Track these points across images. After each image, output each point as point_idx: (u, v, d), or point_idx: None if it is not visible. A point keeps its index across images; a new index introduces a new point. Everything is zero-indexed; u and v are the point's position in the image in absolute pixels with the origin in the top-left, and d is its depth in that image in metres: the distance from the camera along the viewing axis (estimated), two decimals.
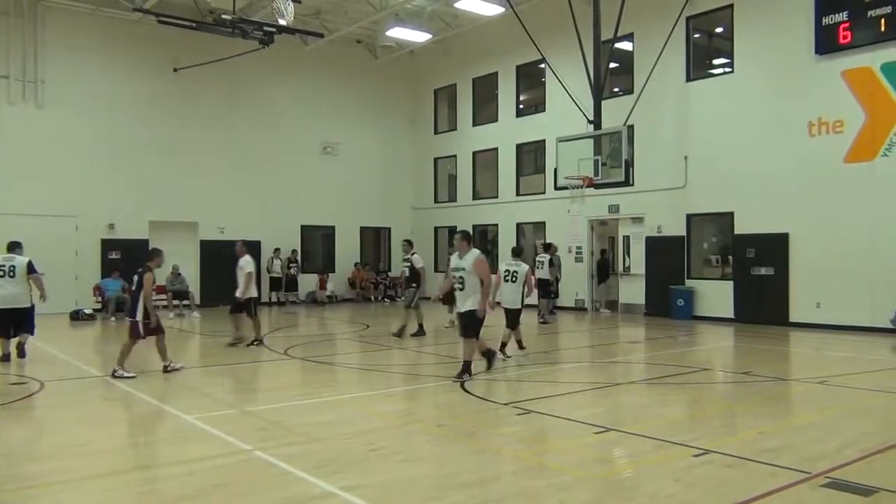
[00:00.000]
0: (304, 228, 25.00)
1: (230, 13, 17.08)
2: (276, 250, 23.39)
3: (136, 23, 20.89)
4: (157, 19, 18.71)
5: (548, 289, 17.94)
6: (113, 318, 18.57)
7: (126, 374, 9.89)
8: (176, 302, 20.39)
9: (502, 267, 12.02)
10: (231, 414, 7.93)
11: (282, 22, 16.89)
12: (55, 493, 5.30)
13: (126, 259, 20.41)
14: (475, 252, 9.72)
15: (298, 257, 24.17)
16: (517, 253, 12.47)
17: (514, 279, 11.71)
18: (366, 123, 26.22)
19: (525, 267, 11.87)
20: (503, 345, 11.83)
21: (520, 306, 11.82)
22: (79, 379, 10.25)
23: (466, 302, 9.62)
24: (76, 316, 18.67)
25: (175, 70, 21.78)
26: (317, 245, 25.83)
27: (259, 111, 23.81)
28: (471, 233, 10.11)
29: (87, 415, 8.05)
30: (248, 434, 6.89)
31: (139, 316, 10.06)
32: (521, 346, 12.17)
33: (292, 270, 23.69)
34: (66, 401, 8.77)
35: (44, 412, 8.26)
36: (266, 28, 17.22)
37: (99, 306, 19.58)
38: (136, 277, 10.26)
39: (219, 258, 22.03)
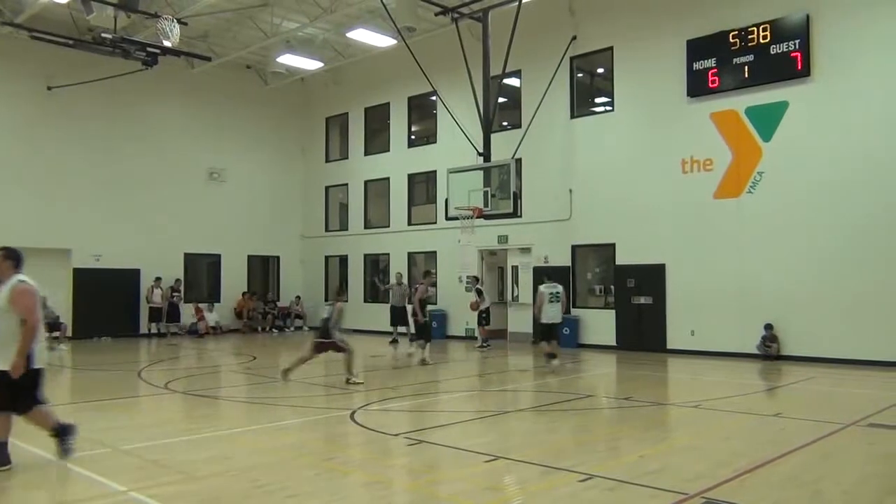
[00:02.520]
0: (188, 256, 24.06)
1: (111, 32, 16.37)
2: (157, 279, 22.36)
3: (6, 37, 19.67)
4: (30, 35, 17.70)
5: (481, 316, 19.44)
6: None
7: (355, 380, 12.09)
8: (46, 334, 18.99)
9: (545, 290, 14.41)
10: (104, 453, 7.44)
11: (166, 43, 16.34)
12: None
13: None
14: (15, 280, 6.52)
15: (181, 286, 23.20)
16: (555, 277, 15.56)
17: (558, 299, 14.39)
18: (255, 150, 25.70)
19: (561, 287, 14.67)
20: (552, 355, 14.19)
21: (560, 321, 14.70)
22: None
23: None
24: None
25: (49, 88, 20.62)
26: (201, 274, 24.91)
27: (141, 134, 22.85)
28: (19, 252, 6.67)
29: None
30: (122, 474, 6.48)
31: (335, 338, 12.35)
32: (553, 357, 14.10)
33: (174, 300, 22.71)
34: None
35: None
36: (150, 49, 16.60)
37: None
38: (329, 308, 12.59)
39: (93, 287, 20.96)
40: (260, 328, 24.75)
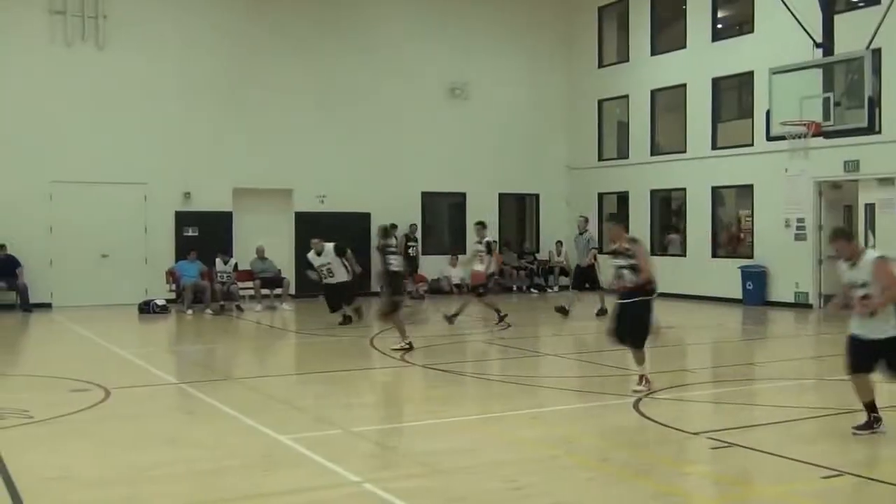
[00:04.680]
0: (426, 197, 25.19)
1: None
2: (392, 226, 23.35)
3: None
4: None
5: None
6: (190, 311, 19.25)
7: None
8: (266, 291, 20.99)
9: None
10: (334, 435, 8.18)
11: None
12: None
13: (205, 236, 21.28)
14: None
15: (418, 233, 24.33)
16: None
17: None
18: (505, 56, 26.07)
19: None
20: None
21: None
22: (150, 386, 10.94)
23: None
24: (146, 308, 19.46)
25: None
26: (442, 218, 25.97)
27: (366, 47, 23.83)
28: None
29: (158, 431, 8.54)
30: (354, 461, 7.09)
31: None
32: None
33: (411, 251, 23.84)
34: (134, 413, 9.35)
35: (108, 426, 8.81)
36: None
37: (173, 296, 20.54)
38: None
39: (317, 235, 22.65)
40: (514, 287, 25.43)
